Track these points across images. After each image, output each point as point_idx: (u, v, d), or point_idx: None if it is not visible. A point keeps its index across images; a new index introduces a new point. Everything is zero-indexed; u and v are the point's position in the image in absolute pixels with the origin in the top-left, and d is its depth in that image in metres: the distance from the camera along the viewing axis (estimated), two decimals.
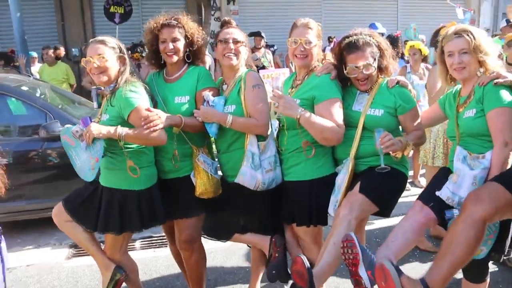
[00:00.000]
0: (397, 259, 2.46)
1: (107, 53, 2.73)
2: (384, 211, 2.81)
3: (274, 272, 2.88)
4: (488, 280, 2.85)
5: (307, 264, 2.47)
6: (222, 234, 3.05)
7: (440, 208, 2.54)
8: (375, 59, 2.76)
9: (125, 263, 2.97)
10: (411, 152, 2.96)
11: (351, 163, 2.74)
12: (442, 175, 2.72)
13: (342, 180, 2.75)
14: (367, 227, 3.59)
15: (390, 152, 2.62)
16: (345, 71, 2.75)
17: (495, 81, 2.49)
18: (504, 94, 2.49)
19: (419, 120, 2.82)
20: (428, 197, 2.61)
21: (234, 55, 2.84)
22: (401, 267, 2.34)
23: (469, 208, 2.26)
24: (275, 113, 2.76)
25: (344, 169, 2.77)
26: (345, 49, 2.77)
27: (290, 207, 2.88)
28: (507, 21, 7.06)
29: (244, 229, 2.99)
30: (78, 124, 2.79)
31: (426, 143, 4.34)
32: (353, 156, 2.75)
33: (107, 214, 2.78)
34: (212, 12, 12.07)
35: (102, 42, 2.75)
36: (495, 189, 2.27)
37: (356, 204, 2.62)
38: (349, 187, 2.73)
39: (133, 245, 4.46)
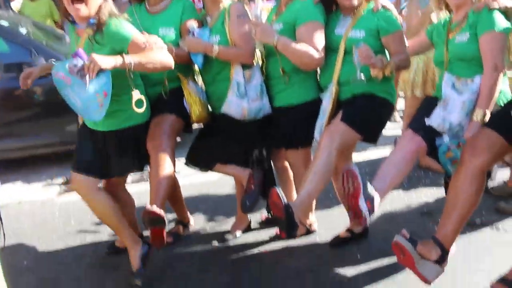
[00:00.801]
0: (392, 189, 2.57)
1: None
2: (370, 138, 2.85)
3: (247, 204, 2.95)
4: None
5: (282, 195, 2.54)
6: (204, 163, 3.08)
7: (430, 137, 2.58)
8: None
9: (125, 199, 3.04)
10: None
11: (335, 88, 2.75)
12: (429, 104, 2.72)
13: (326, 104, 2.78)
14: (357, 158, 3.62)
15: (371, 71, 2.61)
16: None
17: (491, 5, 2.47)
18: (498, 18, 2.48)
19: (404, 45, 2.80)
20: (418, 125, 2.63)
21: None
22: None
23: (467, 161, 2.32)
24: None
25: (328, 93, 2.79)
26: None
27: (278, 132, 2.93)
28: None
29: (227, 160, 3.02)
30: (71, 60, 2.43)
31: (405, 73, 4.35)
32: (336, 80, 2.74)
33: (122, 156, 2.76)
34: None
35: None
36: (489, 137, 2.31)
37: (337, 134, 2.64)
38: (333, 115, 2.75)
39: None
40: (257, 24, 2.72)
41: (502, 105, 2.54)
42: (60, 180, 4.57)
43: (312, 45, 2.68)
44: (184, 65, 2.92)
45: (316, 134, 2.84)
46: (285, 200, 2.53)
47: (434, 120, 2.57)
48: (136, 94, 2.56)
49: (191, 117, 2.93)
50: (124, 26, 2.54)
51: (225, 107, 2.83)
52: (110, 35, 2.49)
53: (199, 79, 3.10)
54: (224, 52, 2.79)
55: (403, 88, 4.56)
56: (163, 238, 2.70)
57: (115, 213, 2.81)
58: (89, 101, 2.40)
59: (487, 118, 2.46)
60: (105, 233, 3.51)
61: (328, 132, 2.68)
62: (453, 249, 3.05)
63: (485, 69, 2.49)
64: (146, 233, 2.96)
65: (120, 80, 2.50)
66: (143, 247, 2.90)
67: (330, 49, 2.79)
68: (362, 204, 2.41)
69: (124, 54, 2.45)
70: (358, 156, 4.20)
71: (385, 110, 2.87)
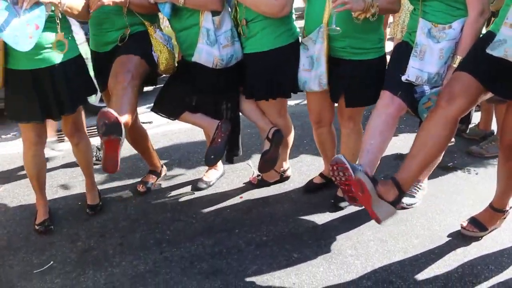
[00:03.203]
0: (379, 158, 2.52)
1: None
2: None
3: (212, 156, 2.91)
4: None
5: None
6: (171, 110, 2.99)
7: (409, 93, 2.49)
8: None
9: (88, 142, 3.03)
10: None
11: (325, 30, 2.58)
12: (401, 54, 2.58)
13: (319, 50, 2.63)
14: None
15: (352, 14, 2.46)
16: None
17: None
18: None
19: None
20: (394, 84, 2.51)
21: None
22: None
23: (443, 106, 2.24)
24: None
25: (319, 38, 2.62)
26: None
27: (249, 80, 2.84)
28: None
29: (195, 109, 2.94)
30: None
31: (396, 15, 4.22)
32: (326, 22, 2.57)
33: (57, 93, 2.67)
34: None
35: None
36: (466, 82, 2.23)
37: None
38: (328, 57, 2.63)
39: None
40: None
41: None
42: None
43: None
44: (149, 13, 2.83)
45: (315, 86, 2.71)
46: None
47: (411, 74, 2.44)
48: (59, 36, 2.56)
49: (158, 67, 2.82)
50: None
51: (196, 55, 2.72)
52: None
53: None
54: (190, 0, 2.66)
55: (393, 30, 4.45)
56: (117, 157, 2.51)
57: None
58: (18, 30, 2.35)
59: None
60: (76, 186, 3.46)
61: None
62: (425, 191, 3.11)
63: (471, 13, 2.33)
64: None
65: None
66: None
67: None
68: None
69: None
70: None
71: (381, 69, 2.72)
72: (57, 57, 2.60)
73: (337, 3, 2.37)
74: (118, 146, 2.45)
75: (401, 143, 3.81)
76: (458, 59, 2.36)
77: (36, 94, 2.63)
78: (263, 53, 2.75)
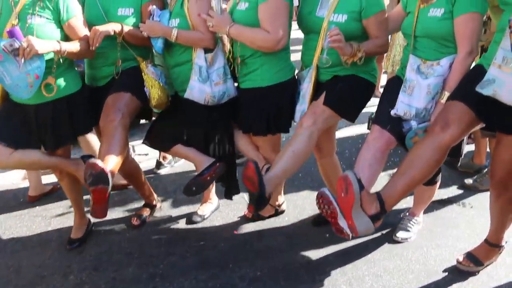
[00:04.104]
0: (369, 190, 2.46)
1: None
2: (349, 118, 2.79)
3: (194, 188, 2.90)
4: (438, 182, 2.97)
5: (259, 170, 2.48)
6: (163, 143, 3.00)
7: (398, 127, 2.53)
8: None
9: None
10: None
11: (314, 72, 2.68)
12: (392, 89, 2.64)
13: (306, 88, 2.71)
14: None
15: (341, 57, 2.54)
16: None
17: None
18: None
19: (383, 28, 2.67)
20: (384, 118, 2.56)
21: None
22: None
23: (436, 133, 2.27)
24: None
25: (307, 77, 2.72)
26: None
27: (247, 115, 2.85)
28: None
29: (187, 143, 2.95)
30: (7, 40, 2.45)
31: (388, 49, 4.31)
32: (316, 64, 2.67)
33: (56, 127, 2.72)
34: None
35: None
36: (460, 110, 2.27)
37: (321, 116, 2.61)
38: (314, 96, 2.69)
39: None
40: (212, 17, 2.67)
41: None
42: None
43: (268, 26, 2.59)
44: (143, 47, 2.89)
45: (297, 118, 2.75)
46: (261, 175, 2.47)
47: (400, 109, 2.50)
48: (50, 79, 2.62)
49: (150, 102, 2.85)
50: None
51: (188, 92, 2.76)
52: (59, 2, 2.58)
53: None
54: (183, 37, 2.72)
55: (385, 64, 4.54)
56: (106, 204, 2.56)
57: (39, 156, 2.78)
58: (19, 80, 2.46)
59: None
60: (70, 218, 3.43)
61: (312, 114, 2.62)
62: (421, 225, 3.10)
63: (460, 53, 2.40)
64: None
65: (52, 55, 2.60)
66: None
67: (311, 31, 2.71)
68: (342, 222, 2.37)
69: (60, 42, 2.55)
70: (338, 134, 4.19)
71: (367, 91, 2.79)
72: (43, 97, 2.64)
73: (333, 37, 2.43)
74: (106, 195, 2.50)
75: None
76: (446, 95, 2.41)
77: (21, 124, 2.70)
78: (262, 89, 2.76)
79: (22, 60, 2.42)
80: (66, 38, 2.66)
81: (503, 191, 2.47)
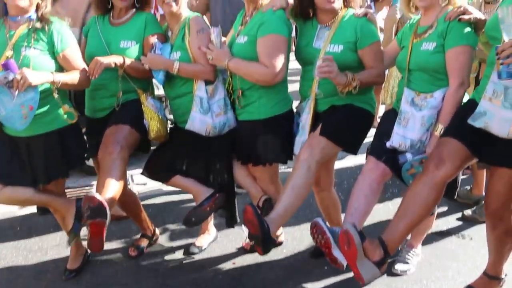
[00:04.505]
0: (364, 222, 2.51)
1: None
2: (350, 150, 2.82)
3: (193, 219, 2.91)
4: (435, 213, 2.96)
5: (257, 212, 2.49)
6: (162, 173, 3.01)
7: (393, 159, 2.55)
8: None
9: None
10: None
11: (312, 102, 2.71)
12: (388, 121, 2.67)
13: (305, 120, 2.74)
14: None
15: (337, 87, 2.58)
16: None
17: (461, 17, 2.42)
18: (468, 31, 2.43)
19: (379, 58, 2.72)
20: (380, 150, 2.59)
21: (173, 1, 2.76)
22: None
23: (431, 170, 2.29)
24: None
25: (306, 108, 2.75)
26: None
27: (245, 146, 2.86)
28: None
29: (186, 174, 2.96)
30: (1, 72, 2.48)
31: (385, 81, 4.35)
32: (314, 95, 2.70)
33: (48, 160, 2.70)
34: None
35: None
36: (453, 147, 2.30)
37: (318, 147, 2.60)
38: (313, 127, 2.71)
39: (90, 189, 4.40)
40: (212, 50, 2.71)
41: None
42: None
43: (267, 61, 2.63)
44: (143, 79, 2.92)
45: (297, 151, 2.76)
46: (261, 217, 2.47)
47: (395, 140, 2.53)
48: (65, 108, 2.70)
49: (149, 134, 2.88)
50: (67, 30, 2.69)
51: (189, 123, 2.78)
52: (53, 34, 2.60)
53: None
54: (184, 69, 2.77)
55: (383, 96, 4.58)
56: (102, 238, 2.55)
57: (30, 193, 2.75)
58: (14, 111, 2.47)
59: None
60: (67, 248, 3.40)
61: (308, 146, 2.62)
62: (419, 257, 3.08)
63: (452, 85, 2.45)
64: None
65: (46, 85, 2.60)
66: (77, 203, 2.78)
67: (308, 62, 2.73)
68: (336, 252, 2.38)
69: (54, 73, 2.57)
70: (337, 164, 4.19)
71: (364, 121, 2.81)
72: (35, 130, 2.63)
73: (322, 69, 2.47)
74: (103, 229, 2.50)
75: (394, 208, 3.75)
76: (440, 127, 2.44)
77: (12, 157, 2.70)
78: (260, 121, 2.78)
79: (16, 92, 2.42)
80: (60, 69, 2.68)
81: (498, 222, 2.47)
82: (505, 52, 2.02)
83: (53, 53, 2.63)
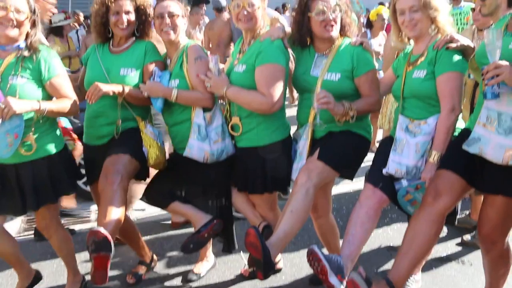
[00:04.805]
0: (361, 249, 2.52)
1: (25, 8, 2.58)
2: (346, 175, 2.84)
3: (191, 246, 2.89)
4: None
5: (260, 235, 2.47)
6: (161, 201, 3.01)
7: (390, 186, 2.57)
8: (340, 10, 2.71)
9: (63, 236, 2.98)
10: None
11: (310, 129, 2.74)
12: (385, 149, 2.70)
13: (303, 146, 2.76)
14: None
15: (336, 118, 2.63)
16: (312, 16, 2.68)
17: (448, 45, 2.48)
18: (456, 58, 2.49)
19: (375, 86, 2.76)
20: (376, 177, 2.61)
21: (171, 29, 2.82)
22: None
23: (429, 203, 2.33)
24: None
25: (303, 135, 2.77)
26: None
27: (244, 174, 2.86)
28: None
29: (185, 200, 2.96)
30: None
31: (383, 107, 4.39)
32: (312, 122, 2.73)
33: (37, 188, 2.69)
34: None
35: None
36: (450, 179, 2.33)
37: (315, 171, 2.62)
38: (310, 152, 2.73)
39: (89, 217, 4.40)
40: (210, 78, 2.74)
41: (453, 139, 2.53)
42: (20, 218, 4.39)
43: (264, 89, 2.66)
44: (142, 107, 2.94)
45: (294, 177, 2.76)
46: (263, 240, 2.46)
47: (391, 167, 2.56)
48: (29, 137, 2.62)
49: (148, 162, 2.89)
50: (55, 59, 2.70)
51: (187, 150, 2.80)
52: (40, 62, 2.61)
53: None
54: (182, 97, 2.79)
55: (381, 121, 4.62)
56: (106, 271, 2.53)
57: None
58: None
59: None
60: (64, 275, 3.37)
61: (305, 170, 2.64)
62: (420, 283, 3.06)
63: (443, 111, 2.49)
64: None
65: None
66: None
67: (306, 90, 2.78)
68: (332, 279, 2.37)
69: (40, 101, 2.57)
70: (336, 189, 4.20)
71: (361, 147, 2.83)
72: (23, 157, 2.62)
73: (321, 101, 2.52)
74: (107, 262, 2.51)
75: (394, 233, 3.80)
76: (434, 154, 2.47)
77: (1, 186, 2.68)
78: (259, 148, 2.79)
79: (0, 120, 2.42)
80: (48, 97, 2.68)
81: (491, 246, 2.48)
82: (489, 74, 2.09)
83: (40, 82, 2.64)
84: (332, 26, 2.69)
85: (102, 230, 2.45)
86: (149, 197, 3.03)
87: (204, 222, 2.87)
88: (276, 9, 9.90)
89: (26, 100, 2.53)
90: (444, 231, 3.76)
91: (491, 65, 2.10)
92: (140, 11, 2.93)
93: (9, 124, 2.45)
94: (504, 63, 2.08)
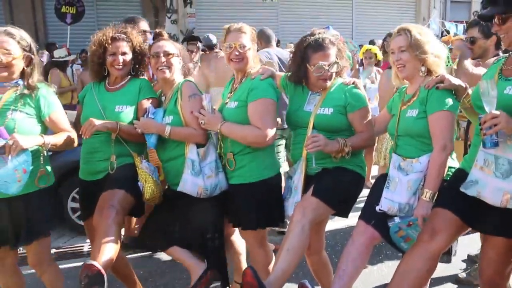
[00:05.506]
0: (352, 285, 2.53)
1: (14, 48, 2.63)
2: (341, 212, 2.86)
3: None
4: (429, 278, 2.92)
5: (257, 275, 2.46)
6: (157, 243, 3.00)
7: (382, 223, 2.59)
8: (337, 58, 2.79)
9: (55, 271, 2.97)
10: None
11: (303, 163, 2.78)
12: (379, 186, 2.73)
13: (297, 180, 2.80)
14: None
15: (332, 154, 2.68)
16: (310, 68, 2.75)
17: (438, 85, 2.53)
18: (447, 98, 2.54)
19: (368, 123, 2.83)
20: (369, 214, 2.65)
21: (166, 67, 2.90)
22: None
23: (425, 241, 2.34)
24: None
25: (298, 169, 2.81)
26: (311, 48, 2.77)
27: (236, 209, 2.88)
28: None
29: (181, 241, 2.92)
30: None
31: (378, 143, 4.44)
32: (305, 156, 2.78)
33: (31, 219, 2.70)
34: (169, 15, 12.02)
35: (10, 35, 2.65)
36: (446, 218, 2.35)
37: (310, 208, 2.64)
38: (304, 189, 2.76)
39: (81, 249, 4.38)
40: (204, 115, 2.80)
41: (448, 178, 2.56)
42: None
43: (259, 123, 2.72)
44: (137, 142, 2.98)
45: (290, 212, 2.79)
46: (260, 280, 2.45)
47: (384, 204, 2.60)
48: (41, 171, 2.71)
49: (143, 196, 2.90)
50: (53, 96, 2.79)
51: (181, 185, 2.82)
52: (39, 99, 2.70)
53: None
54: (176, 133, 2.84)
55: (376, 157, 4.65)
56: None
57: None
58: (8, 176, 2.50)
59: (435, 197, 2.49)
60: None
61: (300, 207, 2.66)
62: None
63: (435, 149, 2.52)
64: None
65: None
66: None
67: (299, 125, 2.84)
68: None
69: (44, 135, 2.66)
70: (331, 225, 4.20)
71: (355, 183, 2.86)
72: (16, 190, 2.59)
73: (309, 147, 2.61)
74: None
75: (388, 270, 3.76)
76: (426, 191, 2.49)
77: None
78: (251, 184, 2.82)
79: (9, 157, 2.47)
80: (44, 132, 2.75)
81: None
82: (487, 124, 2.12)
83: (39, 117, 2.72)
84: (329, 79, 2.78)
85: (96, 264, 2.44)
86: (143, 239, 3.03)
87: (200, 274, 2.83)
88: None
89: (30, 135, 2.60)
90: (438, 268, 3.73)
91: (488, 115, 2.13)
92: (136, 51, 3.03)
93: (17, 160, 2.50)
94: (501, 113, 2.11)
